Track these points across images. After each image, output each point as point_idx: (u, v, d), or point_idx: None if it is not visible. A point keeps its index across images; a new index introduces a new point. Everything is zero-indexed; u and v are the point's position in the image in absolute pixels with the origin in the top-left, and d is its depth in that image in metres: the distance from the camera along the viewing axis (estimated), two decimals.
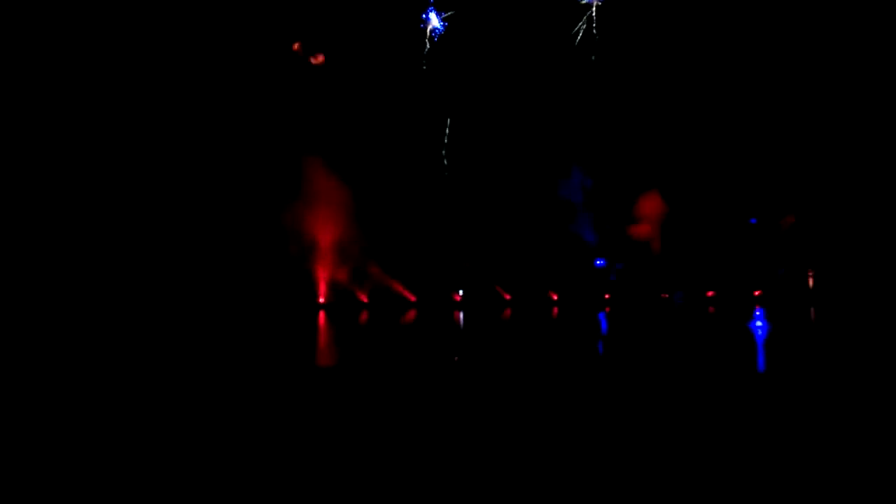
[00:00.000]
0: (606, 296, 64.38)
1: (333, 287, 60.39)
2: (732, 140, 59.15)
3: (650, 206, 60.96)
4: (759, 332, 38.61)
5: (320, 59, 56.44)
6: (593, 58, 58.12)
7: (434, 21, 59.03)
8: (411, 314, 57.28)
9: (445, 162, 61.40)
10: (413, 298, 61.82)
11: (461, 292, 64.00)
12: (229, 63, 54.80)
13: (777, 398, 15.80)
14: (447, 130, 60.86)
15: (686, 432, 12.01)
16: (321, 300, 60.54)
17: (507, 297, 64.11)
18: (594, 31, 58.43)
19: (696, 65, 58.17)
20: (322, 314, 58.25)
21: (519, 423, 13.02)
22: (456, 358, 24.81)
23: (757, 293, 61.52)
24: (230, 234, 54.64)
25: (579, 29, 58.73)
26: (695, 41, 57.61)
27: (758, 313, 48.98)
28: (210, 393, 16.31)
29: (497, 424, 12.80)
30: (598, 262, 65.26)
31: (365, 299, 61.40)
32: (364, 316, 57.06)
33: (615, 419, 13.23)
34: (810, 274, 60.48)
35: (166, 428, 12.75)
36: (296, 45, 56.80)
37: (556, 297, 64.42)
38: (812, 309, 54.90)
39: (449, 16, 58.44)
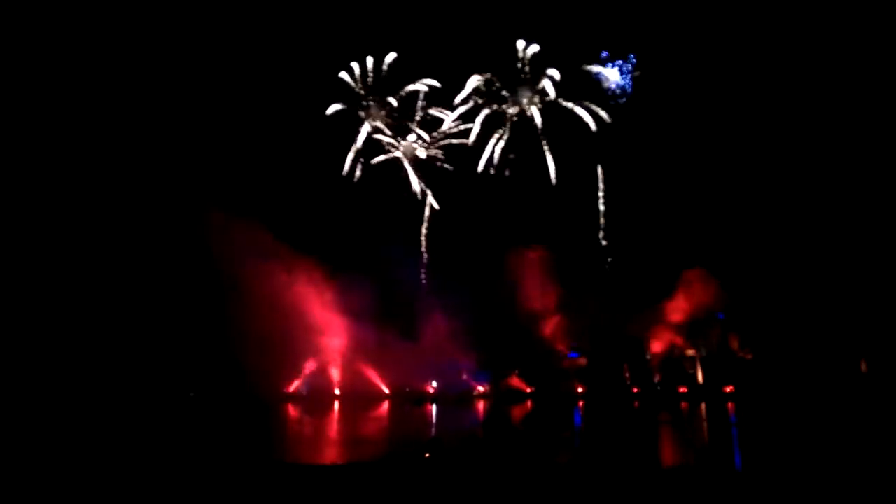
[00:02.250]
0: (579, 388, 64.07)
1: (307, 380, 59.63)
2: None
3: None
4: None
5: None
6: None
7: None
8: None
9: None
10: (388, 391, 61.01)
11: (434, 384, 63.21)
12: None
13: None
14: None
15: None
16: (290, 390, 59.48)
17: (482, 389, 63.39)
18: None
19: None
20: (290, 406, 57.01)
21: None
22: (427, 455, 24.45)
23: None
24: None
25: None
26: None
27: None
28: None
29: None
30: (571, 354, 65.31)
31: (338, 391, 60.41)
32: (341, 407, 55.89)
33: None
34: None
35: None
36: None
37: (529, 390, 63.85)
38: None
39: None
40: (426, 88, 62.41)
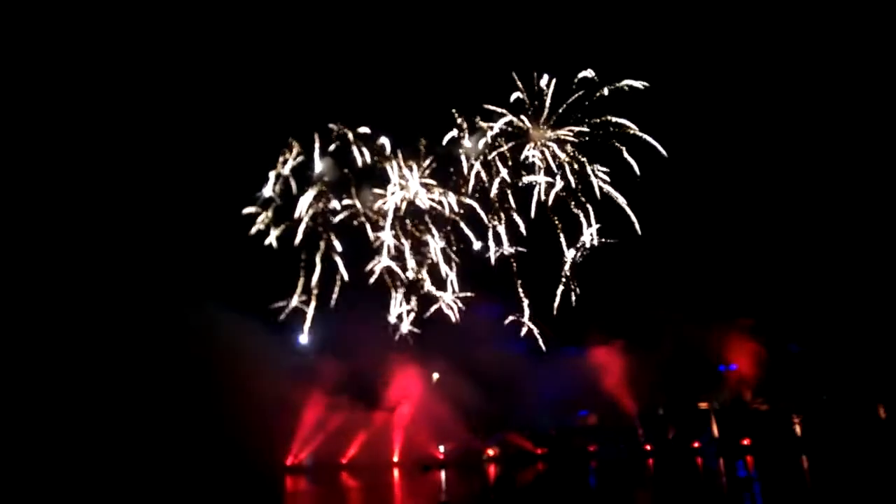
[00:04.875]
0: (591, 448, 62.43)
1: (315, 454, 58.82)
2: None
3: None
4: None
5: None
6: None
7: None
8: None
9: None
10: (398, 458, 59.73)
11: (442, 449, 61.79)
12: None
13: None
14: None
15: None
16: (289, 462, 58.42)
17: (492, 452, 61.82)
18: None
19: None
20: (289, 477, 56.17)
21: None
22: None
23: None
24: None
25: None
26: None
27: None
28: None
29: None
30: (581, 413, 64.05)
31: (344, 461, 59.09)
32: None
33: None
34: (797, 420, 59.64)
35: None
36: None
37: (540, 452, 62.18)
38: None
39: None
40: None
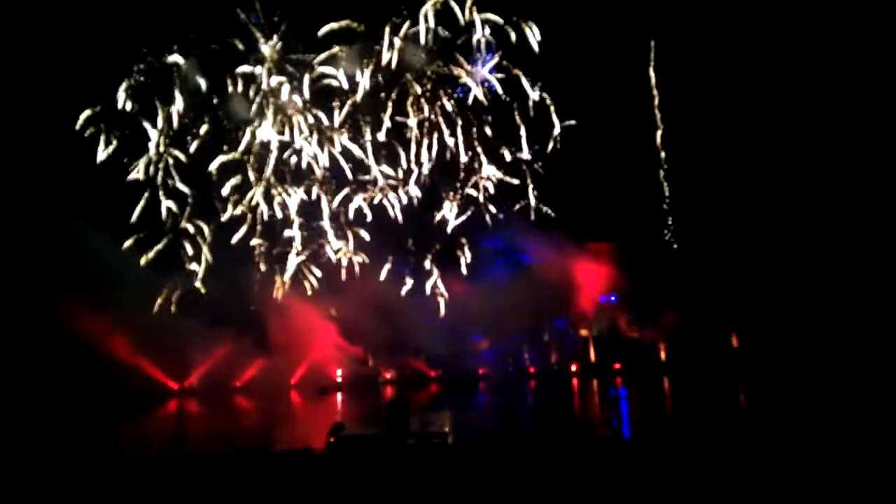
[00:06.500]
0: (481, 371, 66.34)
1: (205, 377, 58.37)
2: None
3: None
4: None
5: None
6: None
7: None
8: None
9: None
10: (293, 382, 60.61)
11: (340, 373, 63.23)
12: None
13: None
14: None
15: None
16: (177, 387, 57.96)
17: (389, 375, 64.20)
18: None
19: None
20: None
21: None
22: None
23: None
24: None
25: None
26: None
27: None
28: None
29: None
30: (474, 338, 67.16)
31: (238, 384, 59.23)
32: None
33: None
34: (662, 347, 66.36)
35: None
36: None
37: (434, 375, 65.39)
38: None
39: None
40: None
